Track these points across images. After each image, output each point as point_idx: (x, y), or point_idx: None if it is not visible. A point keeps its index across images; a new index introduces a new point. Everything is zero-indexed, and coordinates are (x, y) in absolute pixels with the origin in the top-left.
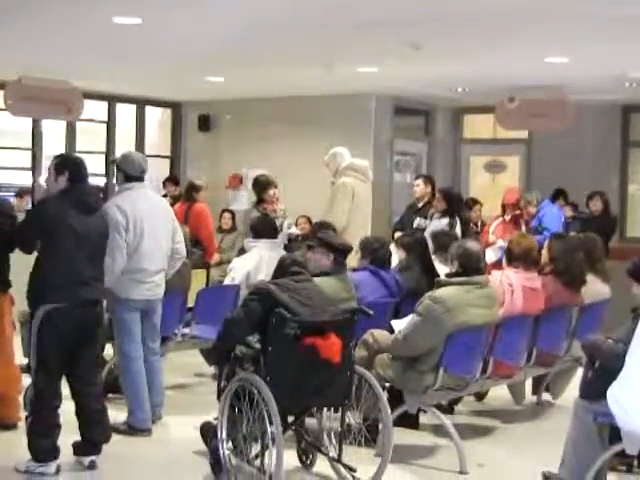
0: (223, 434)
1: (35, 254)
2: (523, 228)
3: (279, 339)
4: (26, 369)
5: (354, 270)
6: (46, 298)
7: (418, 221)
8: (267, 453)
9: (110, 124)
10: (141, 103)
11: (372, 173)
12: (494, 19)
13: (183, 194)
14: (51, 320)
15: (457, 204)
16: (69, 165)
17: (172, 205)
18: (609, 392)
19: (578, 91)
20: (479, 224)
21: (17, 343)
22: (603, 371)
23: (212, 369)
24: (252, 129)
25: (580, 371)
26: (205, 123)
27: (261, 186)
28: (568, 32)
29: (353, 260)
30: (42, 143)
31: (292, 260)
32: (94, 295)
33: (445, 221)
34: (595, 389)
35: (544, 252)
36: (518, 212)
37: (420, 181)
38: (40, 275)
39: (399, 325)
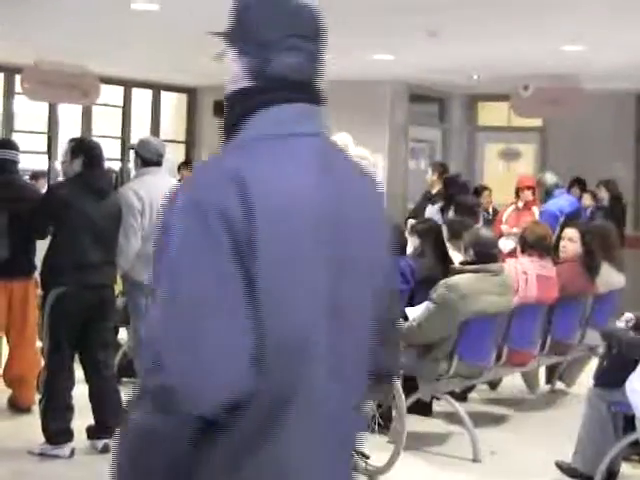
0: None
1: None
2: (536, 215)
3: None
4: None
5: None
6: (56, 281)
7: (430, 209)
8: None
9: (126, 109)
10: (157, 88)
11: (387, 160)
12: (510, 6)
13: None
14: (61, 303)
15: (456, 189)
16: (85, 149)
17: None
18: (627, 385)
19: (593, 79)
20: (490, 211)
21: None
22: (619, 360)
23: None
24: None
25: (594, 360)
26: (220, 108)
27: None
28: (584, 19)
29: None
30: (58, 127)
31: None
32: (103, 279)
33: (438, 206)
34: (610, 378)
35: (565, 243)
36: (531, 199)
37: (433, 169)
38: (51, 259)
39: (413, 313)
